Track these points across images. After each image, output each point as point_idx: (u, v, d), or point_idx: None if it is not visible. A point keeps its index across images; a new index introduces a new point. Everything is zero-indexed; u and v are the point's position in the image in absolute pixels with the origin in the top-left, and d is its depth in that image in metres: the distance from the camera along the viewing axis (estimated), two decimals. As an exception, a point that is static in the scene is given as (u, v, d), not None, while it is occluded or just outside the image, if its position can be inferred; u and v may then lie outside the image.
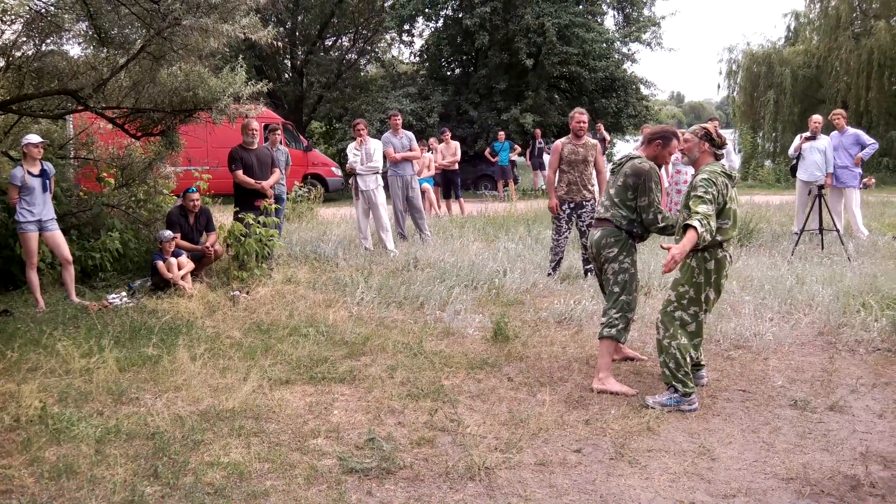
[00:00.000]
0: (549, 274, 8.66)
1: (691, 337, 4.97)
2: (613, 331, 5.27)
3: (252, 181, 9.13)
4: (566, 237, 8.74)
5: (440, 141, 16.26)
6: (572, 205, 8.56)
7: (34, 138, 7.82)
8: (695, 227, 4.53)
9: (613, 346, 5.36)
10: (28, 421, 4.70)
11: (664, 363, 4.96)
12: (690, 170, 11.39)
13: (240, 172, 9.13)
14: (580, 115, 8.47)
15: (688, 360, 4.92)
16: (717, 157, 5.01)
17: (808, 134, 10.88)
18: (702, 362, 5.28)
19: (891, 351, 5.97)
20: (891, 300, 6.96)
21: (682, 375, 4.89)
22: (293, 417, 4.79)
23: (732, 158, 11.22)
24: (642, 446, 4.34)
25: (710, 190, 4.73)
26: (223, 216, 10.80)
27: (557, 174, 8.66)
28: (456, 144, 16.27)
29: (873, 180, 17.01)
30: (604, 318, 5.39)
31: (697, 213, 4.62)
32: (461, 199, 16.12)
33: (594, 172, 8.75)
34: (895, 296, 7.09)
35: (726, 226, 4.84)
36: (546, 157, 22.86)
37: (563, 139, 8.70)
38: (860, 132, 11.17)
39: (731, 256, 4.98)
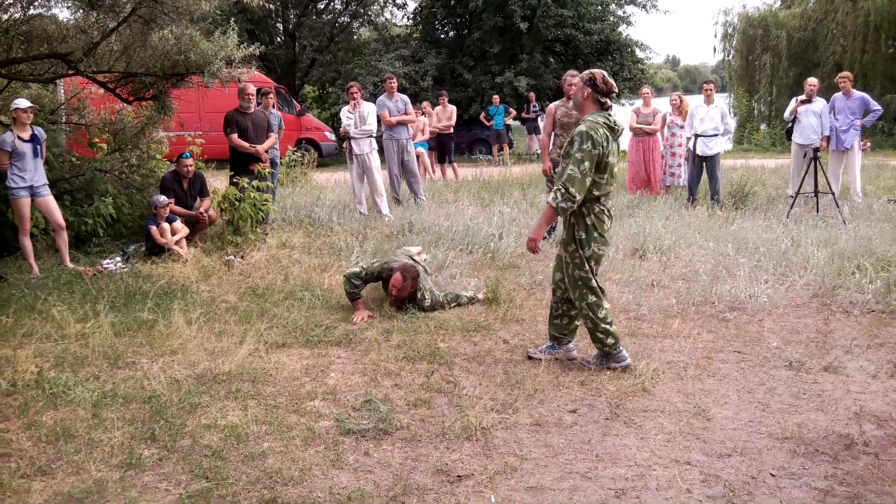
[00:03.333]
0: (545, 237, 8.62)
1: (596, 293, 4.89)
2: None
3: (247, 145, 9.07)
4: None
5: (434, 106, 16.12)
6: None
7: (23, 103, 7.73)
8: (549, 203, 4.65)
9: None
10: (25, 385, 4.71)
11: (584, 325, 5.00)
12: (685, 132, 11.38)
13: (235, 136, 9.07)
14: (571, 78, 8.36)
15: (601, 316, 4.88)
16: (603, 106, 4.82)
17: (803, 97, 10.82)
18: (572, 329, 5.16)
19: (885, 312, 6.00)
20: (885, 262, 6.99)
21: (601, 334, 4.89)
22: (290, 380, 4.81)
23: (728, 122, 11.15)
24: (637, 406, 4.36)
25: (584, 146, 4.63)
26: (217, 181, 10.75)
27: (552, 138, 8.61)
28: (452, 108, 16.15)
29: (868, 144, 16.96)
30: None
31: (561, 180, 4.63)
32: (454, 164, 16.03)
33: None
34: (889, 258, 7.12)
35: (602, 181, 4.74)
36: (541, 121, 22.75)
37: (556, 102, 8.63)
38: (867, 96, 11.05)
39: (609, 211, 4.86)
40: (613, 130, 4.77)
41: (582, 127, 4.71)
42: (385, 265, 6.38)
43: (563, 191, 4.63)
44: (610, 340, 4.91)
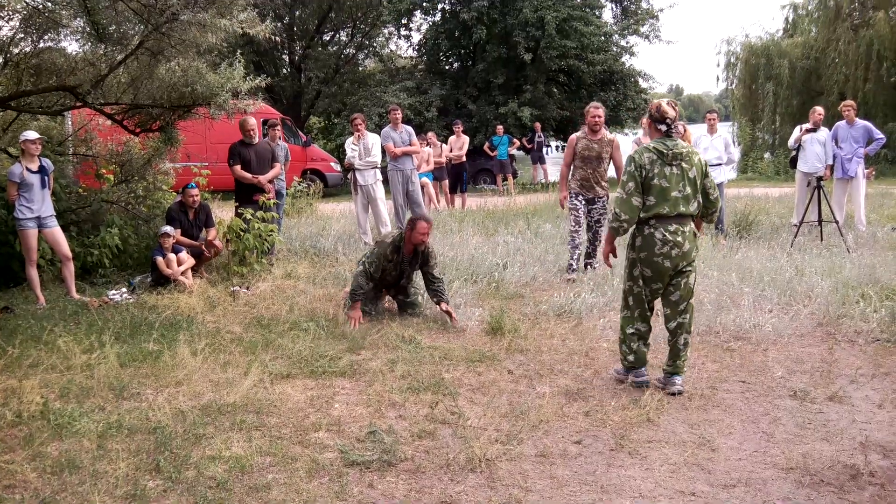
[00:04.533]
0: (574, 269, 8.31)
1: (631, 310, 5.13)
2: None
3: (248, 176, 9.15)
4: (584, 226, 8.44)
5: (440, 137, 16.29)
6: (584, 199, 8.39)
7: (31, 135, 7.82)
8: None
9: None
10: (30, 416, 4.71)
11: (618, 333, 5.25)
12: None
13: (238, 167, 9.16)
14: (595, 110, 8.26)
15: (628, 332, 5.12)
16: (663, 133, 4.93)
17: (809, 125, 10.84)
18: (676, 366, 5.08)
19: (890, 341, 5.98)
20: (890, 291, 6.98)
21: (625, 348, 5.15)
22: (294, 411, 4.81)
23: (731, 151, 11.19)
24: (642, 437, 4.35)
25: (628, 168, 4.93)
26: (222, 212, 10.80)
27: (571, 169, 8.47)
28: (465, 139, 16.49)
29: (873, 172, 16.99)
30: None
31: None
32: (465, 194, 16.27)
33: (609, 168, 8.51)
34: (894, 286, 7.11)
35: (650, 202, 4.85)
36: (546, 151, 22.87)
37: (578, 133, 8.49)
38: (870, 125, 11.08)
39: (665, 234, 4.85)
40: (664, 155, 4.86)
41: (630, 153, 5.00)
42: (385, 243, 7.04)
43: (614, 212, 4.93)
44: (630, 358, 5.15)
